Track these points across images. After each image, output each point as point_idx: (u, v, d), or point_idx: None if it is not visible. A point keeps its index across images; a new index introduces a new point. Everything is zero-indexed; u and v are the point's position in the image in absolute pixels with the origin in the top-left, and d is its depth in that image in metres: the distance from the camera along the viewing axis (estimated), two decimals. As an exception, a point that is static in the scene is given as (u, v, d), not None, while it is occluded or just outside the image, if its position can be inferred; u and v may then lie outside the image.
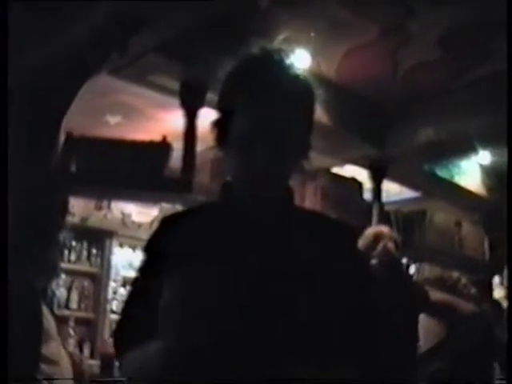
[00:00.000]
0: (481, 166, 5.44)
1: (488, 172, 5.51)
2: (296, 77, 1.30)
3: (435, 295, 3.08)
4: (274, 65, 1.29)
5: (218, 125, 1.31)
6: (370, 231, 3.10)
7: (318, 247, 1.28)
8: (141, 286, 1.34)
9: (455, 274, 3.66)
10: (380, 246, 2.94)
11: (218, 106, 1.32)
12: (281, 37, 3.17)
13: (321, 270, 1.25)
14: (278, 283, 1.22)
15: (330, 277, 1.25)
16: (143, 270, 1.36)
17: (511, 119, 2.74)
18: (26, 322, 2.09)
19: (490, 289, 5.67)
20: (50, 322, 2.32)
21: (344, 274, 1.27)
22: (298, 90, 1.28)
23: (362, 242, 2.98)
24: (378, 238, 3.00)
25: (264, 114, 1.24)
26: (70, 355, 2.60)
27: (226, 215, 1.32)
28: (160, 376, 1.14)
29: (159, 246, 1.34)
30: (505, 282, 5.78)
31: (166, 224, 1.38)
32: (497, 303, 4.75)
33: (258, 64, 1.30)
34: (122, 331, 1.35)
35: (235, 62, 1.31)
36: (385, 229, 3.20)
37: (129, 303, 1.37)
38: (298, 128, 1.28)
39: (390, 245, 2.99)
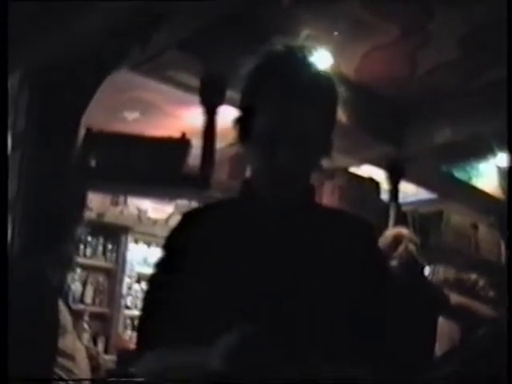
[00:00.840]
0: (498, 168, 5.41)
1: (505, 174, 5.47)
2: (319, 75, 1.29)
3: (454, 298, 3.07)
4: (297, 62, 1.28)
5: (240, 122, 1.31)
6: (389, 232, 3.10)
7: (339, 244, 1.28)
8: (162, 281, 1.33)
9: (473, 276, 3.65)
10: (401, 248, 2.94)
11: (241, 104, 1.32)
12: (302, 35, 3.16)
13: (342, 268, 1.25)
14: (298, 281, 1.22)
15: (351, 274, 1.25)
16: (164, 265, 1.35)
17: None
18: (43, 316, 2.11)
19: (509, 292, 5.63)
20: (65, 316, 2.33)
21: (365, 271, 1.27)
22: (321, 89, 1.27)
23: (381, 243, 2.98)
24: (397, 239, 3.00)
25: (287, 112, 1.24)
26: (86, 349, 2.62)
27: (246, 212, 1.33)
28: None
29: (179, 241, 1.34)
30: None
31: (187, 220, 1.38)
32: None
33: (281, 61, 1.29)
34: (148, 328, 1.32)
35: (257, 59, 1.30)
36: (405, 230, 3.20)
37: (152, 300, 1.35)
38: (321, 126, 1.27)
39: (411, 247, 3.00)
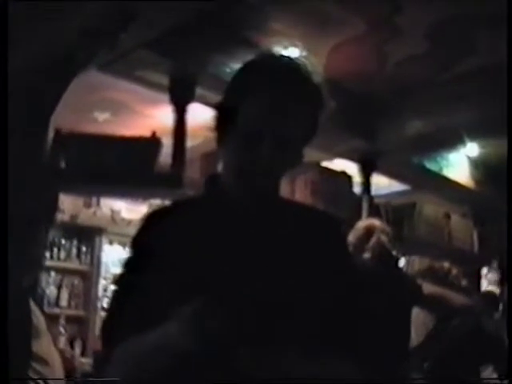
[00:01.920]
0: (469, 158, 5.47)
1: (476, 164, 5.54)
2: (310, 82, 1.31)
3: (428, 288, 3.09)
4: (289, 66, 1.32)
5: (220, 118, 1.33)
6: (361, 224, 3.11)
7: (307, 240, 1.29)
8: (127, 282, 1.33)
9: (446, 265, 3.68)
10: (373, 240, 2.95)
11: (223, 100, 1.33)
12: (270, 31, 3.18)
13: (309, 263, 1.26)
14: (267, 278, 1.23)
15: (318, 269, 1.26)
16: (129, 265, 1.35)
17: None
18: (15, 320, 2.08)
19: (479, 280, 5.71)
20: (39, 320, 2.31)
21: (333, 266, 1.28)
22: (310, 94, 1.30)
23: (353, 235, 2.99)
24: (370, 230, 3.01)
25: (274, 108, 1.26)
26: (61, 352, 2.60)
27: (213, 209, 1.33)
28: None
29: (145, 241, 1.34)
30: (491, 274, 5.84)
31: (151, 219, 1.38)
32: (485, 295, 4.78)
33: (269, 61, 1.33)
34: (111, 327, 1.32)
35: (248, 59, 1.33)
36: (377, 221, 3.20)
37: (116, 299, 1.35)
38: (303, 127, 1.30)
39: (383, 238, 3.01)
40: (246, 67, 1.33)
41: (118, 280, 1.37)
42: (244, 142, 1.27)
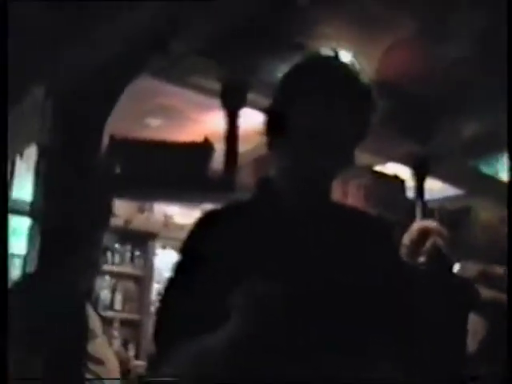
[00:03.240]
0: (525, 160, 5.34)
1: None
2: (361, 82, 1.31)
3: (484, 293, 3.00)
4: (339, 67, 1.32)
5: (271, 123, 1.32)
6: (416, 226, 3.03)
7: (356, 243, 1.28)
8: (179, 285, 1.33)
9: (499, 269, 3.58)
10: (429, 243, 2.87)
11: (274, 104, 1.33)
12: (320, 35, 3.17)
13: (360, 267, 1.25)
14: (319, 283, 1.22)
15: (370, 273, 1.25)
16: (180, 269, 1.35)
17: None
18: (72, 322, 2.12)
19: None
20: (95, 322, 2.35)
21: (384, 271, 1.27)
22: (361, 95, 1.30)
23: (408, 237, 2.92)
24: (425, 233, 2.93)
25: (326, 113, 1.25)
26: (117, 354, 2.63)
27: (265, 212, 1.33)
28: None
29: (196, 245, 1.34)
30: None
31: (203, 223, 1.38)
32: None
33: (324, 65, 1.33)
34: (165, 330, 1.33)
35: (297, 61, 1.33)
36: (432, 223, 3.12)
37: (168, 302, 1.35)
38: (355, 132, 1.30)
39: (440, 241, 2.92)
40: (294, 70, 1.32)
41: (169, 283, 1.37)
42: (295, 145, 1.26)
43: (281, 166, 1.32)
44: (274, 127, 1.32)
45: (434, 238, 2.91)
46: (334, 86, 1.26)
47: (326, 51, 1.34)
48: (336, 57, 1.33)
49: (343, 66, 1.31)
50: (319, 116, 1.25)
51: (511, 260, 3.06)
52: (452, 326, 2.70)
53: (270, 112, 1.34)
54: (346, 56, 3.54)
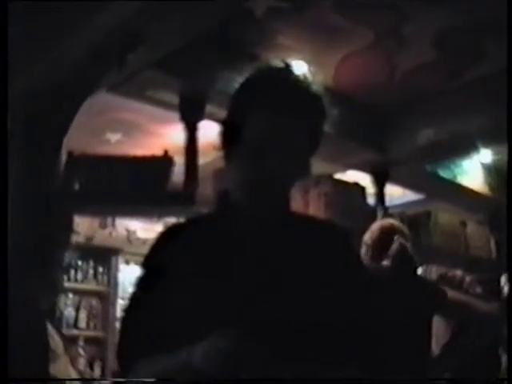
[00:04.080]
0: (482, 164, 5.44)
1: (490, 170, 5.51)
2: (311, 91, 1.32)
3: (451, 294, 2.95)
4: (289, 77, 1.32)
5: (225, 134, 1.33)
6: (379, 224, 2.97)
7: (316, 251, 1.29)
8: (140, 300, 1.34)
9: (459, 273, 3.59)
10: (396, 243, 2.80)
11: (228, 116, 1.34)
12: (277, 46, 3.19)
13: (322, 275, 1.26)
14: (280, 291, 1.23)
15: (331, 280, 1.26)
16: (142, 284, 1.36)
17: (511, 120, 2.72)
18: (32, 342, 2.09)
19: (498, 288, 5.64)
20: (56, 342, 2.31)
21: (346, 277, 1.28)
22: (311, 104, 1.30)
23: (369, 236, 2.85)
24: (389, 231, 2.88)
25: (277, 122, 1.26)
26: (80, 374, 2.59)
27: (222, 224, 1.34)
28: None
29: (157, 259, 1.35)
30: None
31: (163, 238, 1.39)
32: (505, 302, 4.71)
33: (272, 75, 1.33)
34: (128, 347, 1.33)
35: (248, 73, 1.34)
36: (394, 221, 3.06)
37: (130, 318, 1.36)
38: (307, 140, 1.31)
39: (404, 241, 2.86)
40: (245, 82, 1.33)
41: (131, 299, 1.38)
42: (249, 156, 1.27)
43: (237, 178, 1.33)
44: (228, 139, 1.33)
45: (399, 236, 2.84)
46: (283, 97, 1.27)
47: (277, 62, 1.34)
48: (286, 68, 1.34)
49: (293, 76, 1.32)
50: (270, 127, 1.26)
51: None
52: (416, 327, 2.71)
53: (223, 124, 1.34)
54: (301, 66, 3.57)
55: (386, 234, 2.87)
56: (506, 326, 2.92)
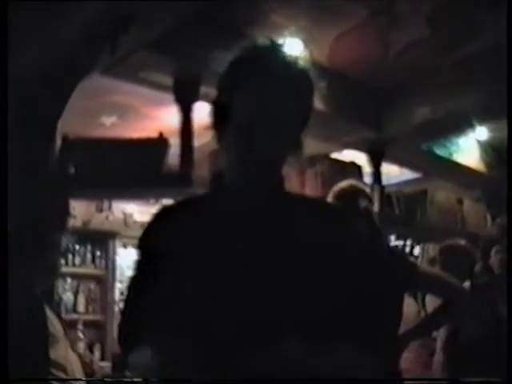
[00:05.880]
0: (478, 142, 5.44)
1: (486, 147, 5.51)
2: (296, 65, 1.32)
3: (422, 268, 2.72)
4: (275, 53, 1.32)
5: (216, 115, 1.33)
6: (340, 186, 2.64)
7: (310, 231, 1.29)
8: (139, 283, 1.35)
9: (462, 241, 3.53)
10: (361, 209, 2.46)
11: (217, 97, 1.34)
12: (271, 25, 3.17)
13: (315, 254, 1.26)
14: (274, 271, 1.23)
15: (324, 259, 1.25)
16: (140, 267, 1.36)
17: (511, 100, 2.70)
18: (29, 326, 2.09)
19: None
20: (55, 326, 2.31)
21: (338, 255, 1.28)
22: (297, 78, 1.30)
23: (331, 199, 2.55)
24: (351, 193, 2.54)
25: (264, 99, 1.26)
26: (80, 357, 2.60)
27: (216, 205, 1.34)
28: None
29: (152, 242, 1.34)
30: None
31: (157, 219, 1.39)
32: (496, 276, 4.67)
33: (259, 52, 1.33)
34: (129, 330, 1.34)
35: (235, 53, 1.33)
36: (356, 183, 2.72)
37: (130, 301, 1.38)
38: (296, 116, 1.30)
39: (370, 206, 2.55)
40: (232, 62, 1.33)
41: (130, 282, 1.39)
42: (238, 135, 1.27)
43: (229, 158, 1.32)
44: (218, 119, 1.32)
45: (363, 202, 2.46)
46: (269, 74, 1.27)
47: (263, 40, 1.34)
48: (272, 45, 1.34)
49: (279, 53, 1.33)
50: (257, 104, 1.26)
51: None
52: (386, 300, 2.53)
53: (213, 104, 1.34)
54: (295, 45, 3.54)
55: (348, 198, 2.48)
56: (506, 326, 2.85)
